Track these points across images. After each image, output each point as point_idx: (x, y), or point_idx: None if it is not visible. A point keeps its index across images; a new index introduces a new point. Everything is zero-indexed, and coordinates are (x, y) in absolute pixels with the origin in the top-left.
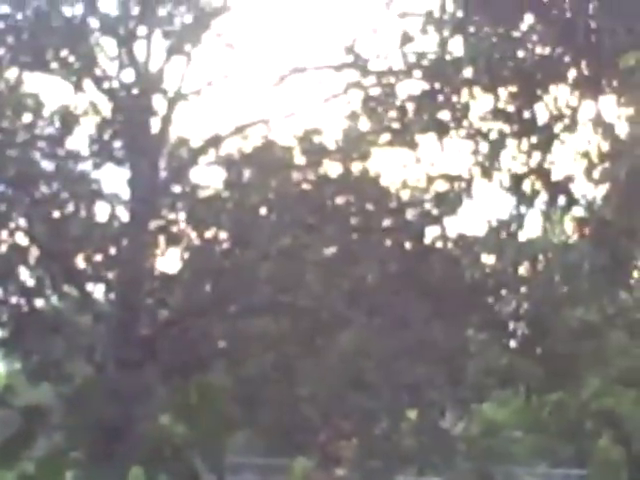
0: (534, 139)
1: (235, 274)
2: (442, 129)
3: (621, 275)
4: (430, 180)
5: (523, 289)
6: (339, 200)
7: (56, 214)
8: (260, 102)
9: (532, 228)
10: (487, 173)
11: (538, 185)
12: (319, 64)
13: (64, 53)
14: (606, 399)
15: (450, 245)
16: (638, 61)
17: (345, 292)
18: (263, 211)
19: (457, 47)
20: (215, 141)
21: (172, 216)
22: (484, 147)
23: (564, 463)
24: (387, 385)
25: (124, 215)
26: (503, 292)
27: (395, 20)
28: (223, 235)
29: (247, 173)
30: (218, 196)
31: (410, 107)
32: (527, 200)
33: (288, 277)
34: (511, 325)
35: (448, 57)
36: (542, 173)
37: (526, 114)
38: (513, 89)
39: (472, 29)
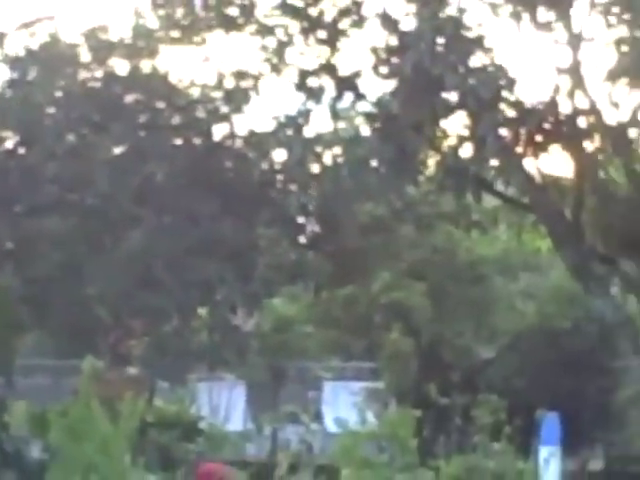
0: (321, 35)
1: (21, 173)
2: (230, 25)
3: (408, 169)
4: (219, 77)
5: (312, 185)
6: (127, 98)
7: None
8: None
9: (320, 123)
10: (275, 69)
11: (326, 81)
12: None
13: None
14: (396, 292)
15: (239, 142)
16: None
17: (134, 190)
18: (49, 110)
19: None
20: None
21: None
22: (272, 43)
23: (356, 356)
24: (177, 283)
25: None
26: (292, 188)
27: None
28: (8, 134)
29: (33, 71)
30: (2, 95)
31: (197, 3)
32: (315, 96)
33: (75, 176)
34: (300, 221)
35: None
36: (329, 69)
37: (313, 10)
38: None
39: None
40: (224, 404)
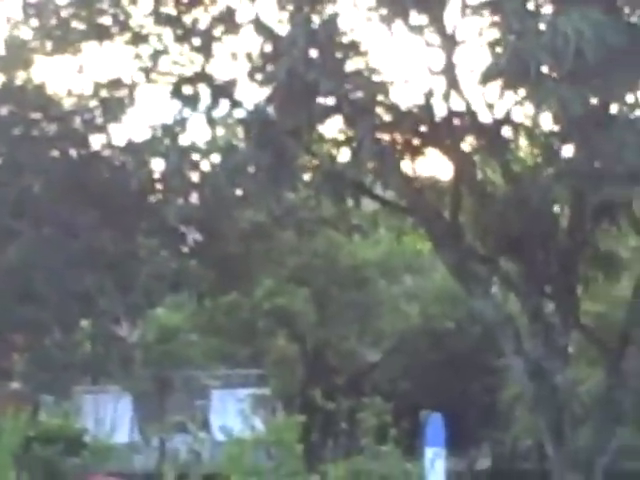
0: (196, 42)
1: None
2: (103, 35)
3: (286, 175)
4: (95, 87)
5: (192, 193)
6: (2, 110)
7: None
8: None
9: (198, 132)
10: (150, 78)
11: (201, 88)
12: None
13: None
14: (279, 298)
15: (116, 152)
16: None
17: (11, 203)
18: None
19: None
20: None
21: None
22: (147, 52)
23: (243, 363)
24: (57, 295)
25: None
26: (171, 197)
27: None
28: None
29: None
30: None
31: (70, 13)
32: (190, 104)
33: None
34: (181, 229)
35: None
36: (205, 77)
37: (187, 18)
38: None
39: None
40: (110, 416)
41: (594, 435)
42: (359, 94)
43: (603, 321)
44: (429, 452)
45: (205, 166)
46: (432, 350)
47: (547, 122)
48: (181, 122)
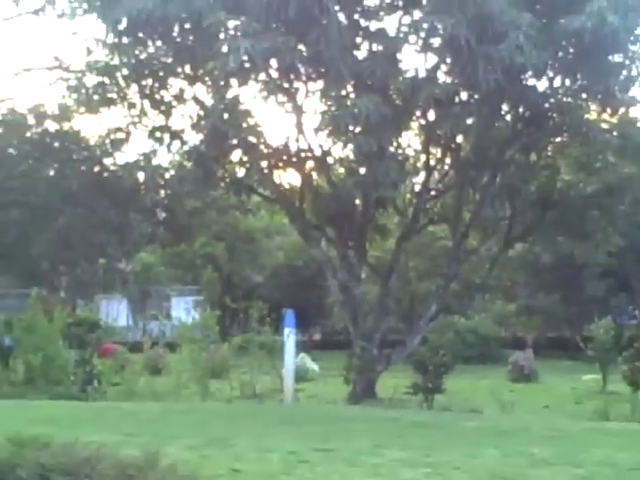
0: (162, 108)
1: None
2: (111, 103)
3: (210, 182)
4: (107, 132)
5: (160, 191)
6: (55, 144)
7: None
8: None
9: (162, 157)
10: (137, 127)
11: (164, 134)
12: None
13: None
14: (208, 247)
15: (118, 168)
16: None
17: (59, 197)
18: None
19: None
20: None
21: None
22: (135, 112)
23: (189, 282)
24: (85, 246)
25: None
26: (148, 192)
27: None
28: None
29: None
30: None
31: (93, 91)
32: (158, 142)
33: None
34: (154, 210)
35: None
36: (167, 127)
37: (157, 95)
38: None
39: None
40: (115, 311)
41: (373, 321)
42: (251, 138)
43: (380, 260)
44: (287, 330)
45: (167, 176)
46: (291, 276)
47: (351, 155)
48: (153, 152)
